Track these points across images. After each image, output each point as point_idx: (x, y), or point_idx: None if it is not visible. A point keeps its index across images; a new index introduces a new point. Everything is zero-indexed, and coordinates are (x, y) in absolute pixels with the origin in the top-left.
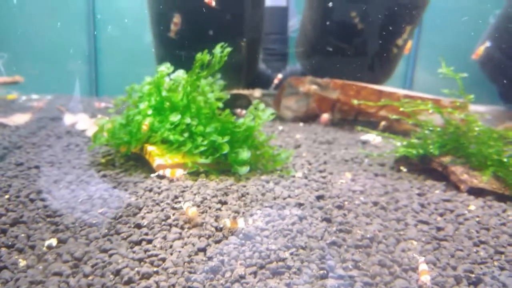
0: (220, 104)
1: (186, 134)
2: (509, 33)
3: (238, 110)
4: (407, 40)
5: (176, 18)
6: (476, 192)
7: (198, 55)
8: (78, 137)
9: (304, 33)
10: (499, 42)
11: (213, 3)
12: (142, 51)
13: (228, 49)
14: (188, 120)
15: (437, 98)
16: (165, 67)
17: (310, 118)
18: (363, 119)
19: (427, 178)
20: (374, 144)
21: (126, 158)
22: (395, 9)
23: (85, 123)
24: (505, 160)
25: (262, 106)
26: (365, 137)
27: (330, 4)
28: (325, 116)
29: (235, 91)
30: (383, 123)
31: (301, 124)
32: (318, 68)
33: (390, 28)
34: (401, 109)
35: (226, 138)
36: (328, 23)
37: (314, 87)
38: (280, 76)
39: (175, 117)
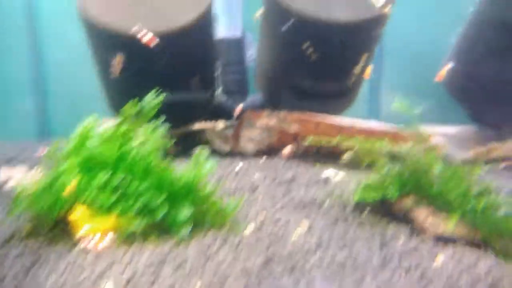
0: (159, 154)
1: (117, 194)
2: (470, 53)
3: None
4: (366, 66)
5: (116, 59)
6: (443, 239)
7: (127, 106)
8: (8, 198)
9: (260, 63)
10: (461, 63)
11: (152, 44)
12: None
13: (161, 96)
14: (119, 177)
15: (396, 130)
16: (92, 118)
17: (273, 151)
18: (326, 150)
19: (391, 221)
20: (336, 181)
21: (54, 224)
22: (349, 38)
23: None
24: (471, 202)
25: (204, 155)
26: (326, 173)
27: (283, 33)
28: (287, 150)
29: (196, 126)
30: (346, 155)
31: (263, 158)
32: (277, 98)
33: (345, 57)
34: (355, 148)
35: (163, 196)
36: (282, 52)
37: (272, 121)
38: (240, 107)
39: (104, 176)
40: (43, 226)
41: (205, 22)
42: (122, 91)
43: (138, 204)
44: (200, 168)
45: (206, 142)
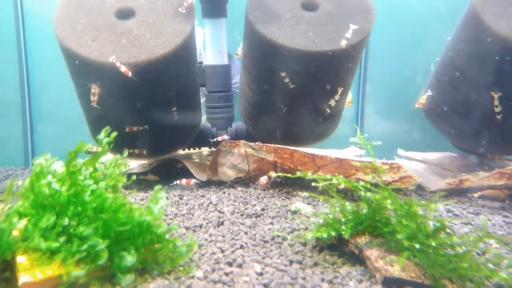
0: (117, 190)
1: (62, 238)
2: (447, 81)
3: (184, 181)
4: (344, 98)
5: (94, 88)
6: (393, 282)
7: (79, 143)
8: None
9: (242, 92)
10: (440, 90)
11: (130, 74)
12: None
13: (114, 134)
14: (66, 221)
15: (368, 160)
16: (43, 159)
17: (252, 178)
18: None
19: (346, 262)
20: (305, 213)
21: (1, 269)
22: (322, 72)
23: None
24: (422, 242)
25: (160, 194)
26: (295, 205)
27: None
28: (263, 179)
29: (181, 152)
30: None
31: (239, 188)
32: (257, 126)
33: (319, 90)
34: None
35: (105, 242)
36: (260, 82)
37: (249, 150)
38: (225, 136)
39: (49, 219)
40: None
41: (185, 51)
42: (102, 120)
43: (82, 250)
44: (151, 208)
45: (185, 170)
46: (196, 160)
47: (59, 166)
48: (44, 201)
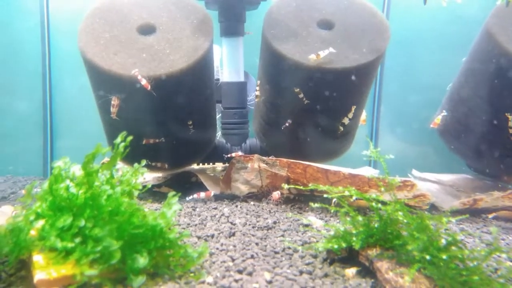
0: (132, 196)
1: (78, 239)
2: (462, 102)
3: (195, 196)
4: (357, 117)
5: (114, 100)
6: None
7: (96, 146)
8: None
9: (257, 108)
10: (454, 111)
11: (149, 87)
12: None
13: (130, 138)
14: (82, 222)
15: (381, 177)
16: (62, 162)
17: (265, 194)
18: (318, 194)
19: (357, 274)
20: (316, 227)
21: (17, 268)
22: (336, 90)
23: (2, 219)
24: (433, 254)
25: (174, 200)
26: (308, 219)
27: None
28: (276, 194)
29: (195, 168)
30: (334, 199)
31: (251, 203)
32: (271, 142)
33: (333, 107)
34: (346, 192)
35: (118, 244)
36: (275, 98)
37: (262, 164)
38: (239, 152)
39: (65, 220)
40: (7, 269)
41: (203, 66)
42: (120, 132)
43: (96, 251)
44: (163, 215)
45: (199, 184)
46: (211, 175)
47: (77, 170)
48: (62, 203)
